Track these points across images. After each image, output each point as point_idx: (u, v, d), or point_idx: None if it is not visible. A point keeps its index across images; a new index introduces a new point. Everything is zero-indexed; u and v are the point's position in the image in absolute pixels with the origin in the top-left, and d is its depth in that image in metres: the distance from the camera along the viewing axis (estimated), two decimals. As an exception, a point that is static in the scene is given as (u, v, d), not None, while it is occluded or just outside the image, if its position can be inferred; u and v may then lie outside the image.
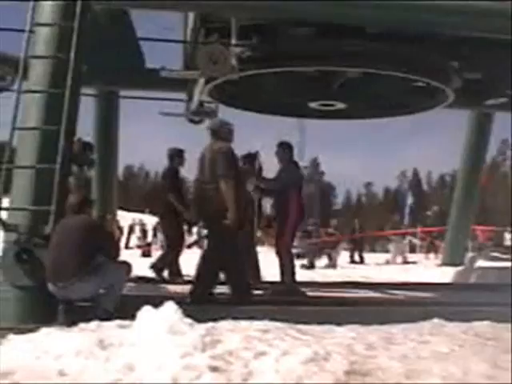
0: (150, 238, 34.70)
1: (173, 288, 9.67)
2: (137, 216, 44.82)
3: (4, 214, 6.63)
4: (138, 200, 73.41)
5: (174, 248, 10.71)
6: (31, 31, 7.08)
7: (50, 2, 7.19)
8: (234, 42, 9.21)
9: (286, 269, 9.09)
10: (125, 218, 34.19)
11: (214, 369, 3.89)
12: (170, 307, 4.68)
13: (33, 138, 6.72)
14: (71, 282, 6.11)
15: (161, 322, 4.49)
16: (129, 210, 46.63)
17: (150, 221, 36.68)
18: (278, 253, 9.15)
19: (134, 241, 36.08)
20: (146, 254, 25.60)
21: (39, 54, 7.04)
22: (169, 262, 10.67)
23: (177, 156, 10.76)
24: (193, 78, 10.37)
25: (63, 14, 7.15)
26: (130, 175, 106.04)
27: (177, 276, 10.40)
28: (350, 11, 8.31)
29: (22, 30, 7.43)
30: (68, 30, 6.98)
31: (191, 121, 12.79)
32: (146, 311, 4.76)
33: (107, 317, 5.39)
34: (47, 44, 7.08)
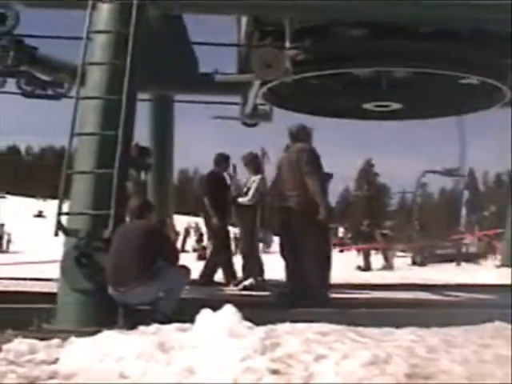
0: (205, 242, 34.88)
1: (230, 291, 9.68)
2: (192, 219, 45.13)
3: (64, 219, 6.73)
4: (193, 203, 73.86)
5: (217, 251, 10.68)
6: (88, 38, 7.18)
7: (106, 10, 7.29)
8: (287, 44, 9.21)
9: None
10: (180, 221, 34.42)
11: (275, 372, 3.87)
12: (229, 310, 4.67)
13: (91, 144, 6.83)
14: (132, 287, 6.18)
15: (220, 325, 4.48)
16: (184, 214, 46.97)
17: (206, 224, 36.85)
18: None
19: (189, 244, 36.35)
20: (202, 257, 25.73)
21: (96, 60, 7.15)
22: (219, 265, 10.63)
23: (223, 161, 10.74)
24: (247, 81, 10.38)
25: (119, 21, 7.24)
26: (184, 179, 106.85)
27: (232, 278, 10.38)
28: (403, 11, 8.24)
29: (79, 38, 7.56)
30: (124, 37, 7.07)
31: (245, 124, 12.82)
32: (206, 314, 4.76)
33: (166, 320, 5.42)
34: (104, 50, 7.19)
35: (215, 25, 12.19)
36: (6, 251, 37.17)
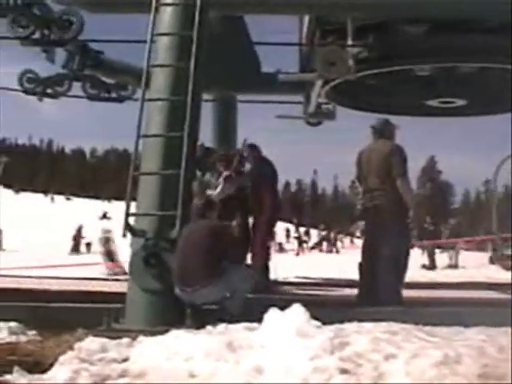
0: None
1: (297, 290, 9.70)
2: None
3: (131, 220, 6.83)
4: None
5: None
6: (152, 41, 7.27)
7: (169, 12, 7.36)
8: (350, 42, 9.16)
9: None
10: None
11: (344, 371, 3.85)
12: (297, 309, 4.66)
13: (157, 145, 6.91)
14: (198, 287, 6.23)
15: (289, 324, 4.47)
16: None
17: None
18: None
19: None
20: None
21: (160, 62, 7.23)
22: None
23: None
24: (310, 80, 10.36)
25: (182, 23, 7.31)
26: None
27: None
28: (467, 5, 8.13)
29: (142, 41, 7.66)
30: (187, 38, 7.13)
31: (309, 123, 12.80)
32: (273, 314, 4.76)
33: (234, 320, 5.44)
34: (168, 53, 7.26)
35: (277, 25, 12.21)
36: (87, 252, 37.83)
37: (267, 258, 9.35)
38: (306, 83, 10.93)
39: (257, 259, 9.11)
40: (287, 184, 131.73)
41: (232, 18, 10.72)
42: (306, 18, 10.24)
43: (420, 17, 8.97)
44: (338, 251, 40.10)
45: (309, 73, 10.28)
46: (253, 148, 9.62)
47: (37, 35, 9.63)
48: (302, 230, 48.58)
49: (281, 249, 34.02)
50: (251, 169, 9.52)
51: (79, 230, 40.45)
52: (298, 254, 36.45)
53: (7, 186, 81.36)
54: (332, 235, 42.18)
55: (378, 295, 7.39)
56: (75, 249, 38.80)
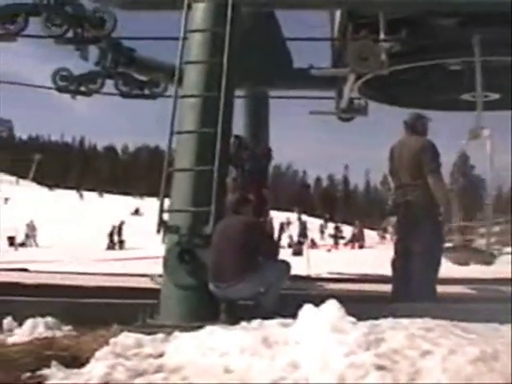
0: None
1: (331, 286, 9.68)
2: (286, 215, 45.32)
3: (165, 216, 6.87)
4: (287, 199, 74.06)
5: None
6: (185, 38, 7.29)
7: (201, 9, 7.38)
8: (382, 36, 9.10)
9: None
10: (275, 217, 34.65)
11: (380, 367, 3.83)
12: (332, 305, 4.65)
13: (190, 142, 6.94)
14: (232, 283, 6.24)
15: (323, 320, 4.46)
16: (278, 209, 47.16)
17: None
18: None
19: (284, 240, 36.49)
20: (297, 253, 25.80)
21: (193, 59, 7.25)
22: None
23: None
24: (342, 75, 10.32)
25: (214, 20, 7.32)
26: (278, 174, 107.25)
27: None
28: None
29: (174, 38, 7.69)
30: (219, 35, 7.15)
31: (341, 119, 12.75)
32: (308, 309, 4.75)
33: (268, 315, 5.44)
34: (200, 49, 7.28)
35: (309, 20, 12.16)
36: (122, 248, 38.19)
37: None
38: (338, 78, 10.88)
39: None
40: (318, 179, 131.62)
41: (264, 14, 10.72)
42: (338, 13, 10.18)
43: (453, 10, 8.87)
44: (370, 247, 39.95)
45: (341, 68, 10.23)
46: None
47: (70, 34, 9.69)
48: (334, 225, 48.42)
49: (313, 245, 33.95)
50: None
51: (120, 227, 40.79)
52: (329, 250, 36.34)
53: (41, 183, 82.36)
54: (364, 231, 41.96)
55: (412, 291, 7.35)
56: (111, 246, 39.15)
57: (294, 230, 42.07)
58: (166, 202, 6.95)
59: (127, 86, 12.29)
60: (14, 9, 9.58)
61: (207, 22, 7.34)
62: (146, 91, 12.49)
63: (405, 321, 4.80)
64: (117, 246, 39.26)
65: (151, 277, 9.39)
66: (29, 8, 9.57)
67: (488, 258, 8.41)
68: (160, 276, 8.47)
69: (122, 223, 41.02)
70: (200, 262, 6.51)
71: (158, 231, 6.78)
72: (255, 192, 9.13)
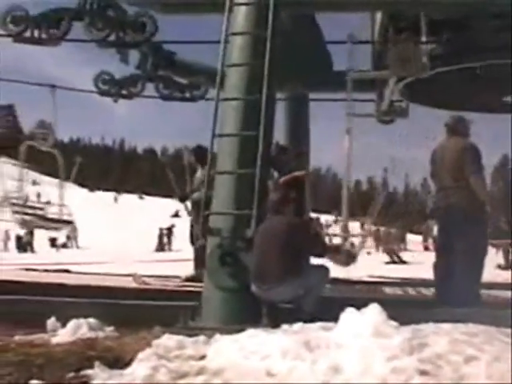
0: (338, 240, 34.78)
1: (371, 289, 9.63)
2: (326, 217, 45.18)
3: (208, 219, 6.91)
4: (326, 202, 73.85)
5: None
6: (226, 41, 7.32)
7: (242, 12, 7.39)
8: (424, 39, 9.04)
9: None
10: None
11: (423, 372, 3.81)
12: (374, 309, 4.62)
13: (232, 144, 6.95)
14: (275, 285, 6.24)
15: (366, 324, 4.44)
16: (317, 212, 47.01)
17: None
18: None
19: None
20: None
21: (234, 62, 7.26)
22: None
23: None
24: (383, 78, 10.27)
25: (256, 22, 7.33)
26: (317, 177, 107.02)
27: None
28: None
29: (214, 42, 7.72)
30: (261, 38, 7.15)
31: (381, 121, 12.68)
32: (350, 313, 4.73)
33: (309, 319, 5.43)
34: (241, 52, 7.29)
35: (349, 22, 12.12)
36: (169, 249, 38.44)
37: None
38: (379, 81, 10.82)
39: None
40: (358, 182, 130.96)
41: (304, 17, 10.71)
42: (379, 15, 10.13)
43: (496, 11, 8.78)
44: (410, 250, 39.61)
45: (382, 70, 10.17)
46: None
47: (112, 37, 9.79)
48: (374, 228, 48.09)
49: (353, 247, 33.69)
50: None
51: (169, 229, 41.06)
52: (369, 253, 36.12)
53: (82, 185, 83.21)
54: (403, 234, 41.62)
55: (454, 295, 7.27)
56: (160, 247, 39.40)
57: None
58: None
59: (168, 89, 12.40)
60: (57, 13, 9.72)
61: (248, 25, 7.35)
62: (187, 94, 12.57)
63: (447, 326, 4.75)
64: (166, 248, 39.55)
65: (134, 277, 9.48)
66: (72, 13, 9.69)
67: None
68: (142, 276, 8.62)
69: (172, 226, 41.33)
70: (242, 264, 6.52)
71: (203, 234, 6.84)
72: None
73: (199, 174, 10.10)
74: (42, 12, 9.79)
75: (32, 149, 11.70)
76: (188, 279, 9.73)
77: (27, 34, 9.76)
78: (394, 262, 25.34)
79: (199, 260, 9.68)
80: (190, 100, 12.63)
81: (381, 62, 10.44)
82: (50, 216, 10.45)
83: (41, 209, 11.02)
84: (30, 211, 11.17)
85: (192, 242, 10.14)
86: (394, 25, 9.72)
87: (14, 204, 11.24)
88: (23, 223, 10.85)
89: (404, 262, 25.12)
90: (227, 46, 7.33)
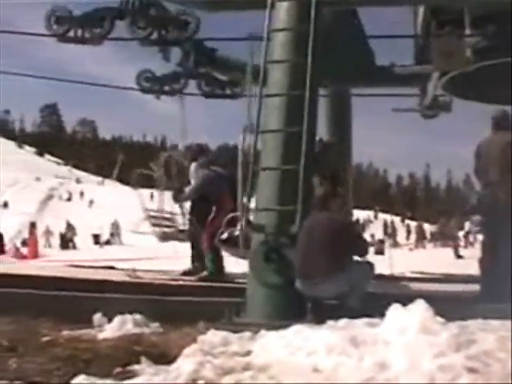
0: (381, 236, 34.67)
1: (414, 285, 9.56)
2: (366, 213, 44.99)
3: (252, 215, 6.91)
4: (367, 198, 73.58)
5: None
6: (268, 38, 7.31)
7: (284, 8, 7.38)
8: (467, 32, 8.93)
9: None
10: (357, 215, 34.44)
11: (472, 370, 3.77)
12: (420, 305, 4.59)
13: (275, 141, 6.96)
14: (319, 281, 6.24)
15: (412, 320, 4.41)
16: (358, 208, 46.88)
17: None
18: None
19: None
20: (379, 252, 25.59)
21: (276, 58, 7.26)
22: None
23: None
24: (426, 72, 10.18)
25: (298, 18, 7.31)
26: (359, 173, 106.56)
27: None
28: None
29: (256, 38, 7.71)
30: (303, 34, 7.13)
31: (425, 116, 12.58)
32: (395, 309, 4.71)
33: (354, 315, 5.41)
34: (284, 48, 7.28)
35: (391, 17, 12.04)
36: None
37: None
38: (422, 75, 10.73)
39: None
40: (399, 178, 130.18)
41: (346, 12, 10.65)
42: (421, 9, 10.05)
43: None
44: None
45: (425, 65, 10.09)
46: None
47: (154, 36, 9.85)
48: (415, 224, 47.84)
49: (395, 243, 33.62)
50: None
51: None
52: (411, 249, 35.92)
53: (125, 182, 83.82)
54: (448, 230, 41.26)
55: (501, 292, 7.18)
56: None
57: (374, 229, 41.76)
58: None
59: (209, 86, 12.42)
60: (100, 13, 9.82)
61: (290, 21, 7.33)
62: (228, 91, 12.59)
63: (495, 322, 4.72)
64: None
65: (128, 272, 9.52)
66: (115, 12, 9.79)
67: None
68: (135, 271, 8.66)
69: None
70: (286, 260, 6.53)
71: (244, 231, 6.85)
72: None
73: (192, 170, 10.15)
74: (85, 12, 9.91)
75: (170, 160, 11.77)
76: (185, 273, 9.87)
77: (71, 33, 9.88)
78: (459, 257, 25.19)
79: (195, 255, 9.95)
80: (231, 97, 12.65)
81: (424, 56, 10.35)
82: (182, 228, 10.45)
83: (174, 220, 11.01)
84: (168, 223, 11.19)
85: (190, 238, 10.28)
86: (436, 18, 9.62)
87: (152, 217, 11.23)
88: (164, 237, 10.92)
89: (460, 257, 24.94)
90: (269, 42, 7.33)
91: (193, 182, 9.95)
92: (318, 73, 7.21)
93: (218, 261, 9.44)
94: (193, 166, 10.07)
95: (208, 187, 9.59)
